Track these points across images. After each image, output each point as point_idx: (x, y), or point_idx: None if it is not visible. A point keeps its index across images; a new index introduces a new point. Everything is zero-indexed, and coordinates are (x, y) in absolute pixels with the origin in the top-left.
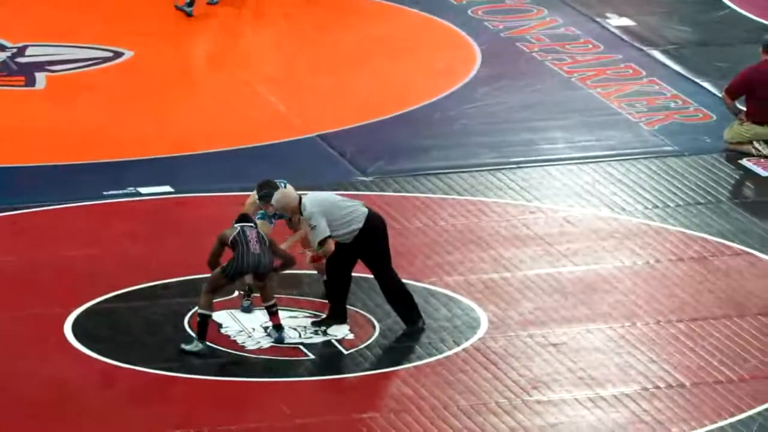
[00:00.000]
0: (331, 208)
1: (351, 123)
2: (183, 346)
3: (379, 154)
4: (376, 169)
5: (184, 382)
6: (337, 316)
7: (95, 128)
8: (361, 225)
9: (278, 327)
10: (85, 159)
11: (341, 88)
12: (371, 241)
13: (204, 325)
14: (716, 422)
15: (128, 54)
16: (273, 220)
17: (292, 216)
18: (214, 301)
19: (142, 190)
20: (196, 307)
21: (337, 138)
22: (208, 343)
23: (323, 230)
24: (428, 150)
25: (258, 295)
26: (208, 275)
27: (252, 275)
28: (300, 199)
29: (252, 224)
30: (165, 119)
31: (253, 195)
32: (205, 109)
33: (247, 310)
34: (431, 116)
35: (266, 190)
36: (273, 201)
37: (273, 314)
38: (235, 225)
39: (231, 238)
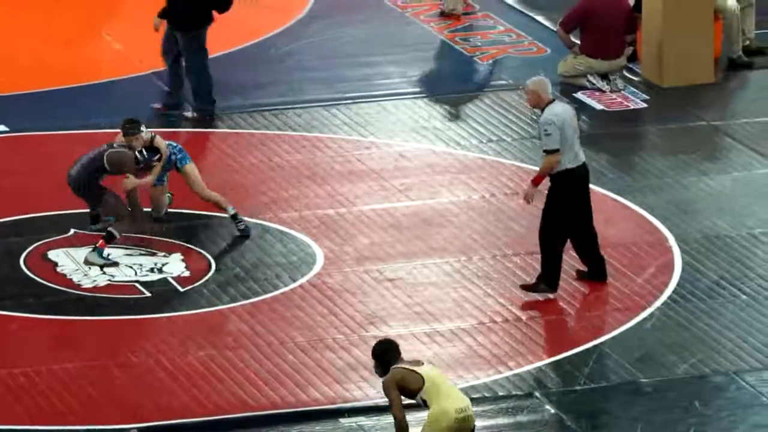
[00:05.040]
0: (563, 125)
1: None
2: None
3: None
4: None
5: (19, 321)
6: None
7: None
8: (578, 164)
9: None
10: None
11: None
12: (583, 189)
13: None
14: (554, 356)
15: None
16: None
17: None
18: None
19: None
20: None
21: None
22: (45, 281)
23: (554, 141)
24: (262, 86)
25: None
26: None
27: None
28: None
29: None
30: None
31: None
32: (40, 47)
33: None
34: (265, 53)
35: (130, 125)
36: (529, 82)
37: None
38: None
39: None
